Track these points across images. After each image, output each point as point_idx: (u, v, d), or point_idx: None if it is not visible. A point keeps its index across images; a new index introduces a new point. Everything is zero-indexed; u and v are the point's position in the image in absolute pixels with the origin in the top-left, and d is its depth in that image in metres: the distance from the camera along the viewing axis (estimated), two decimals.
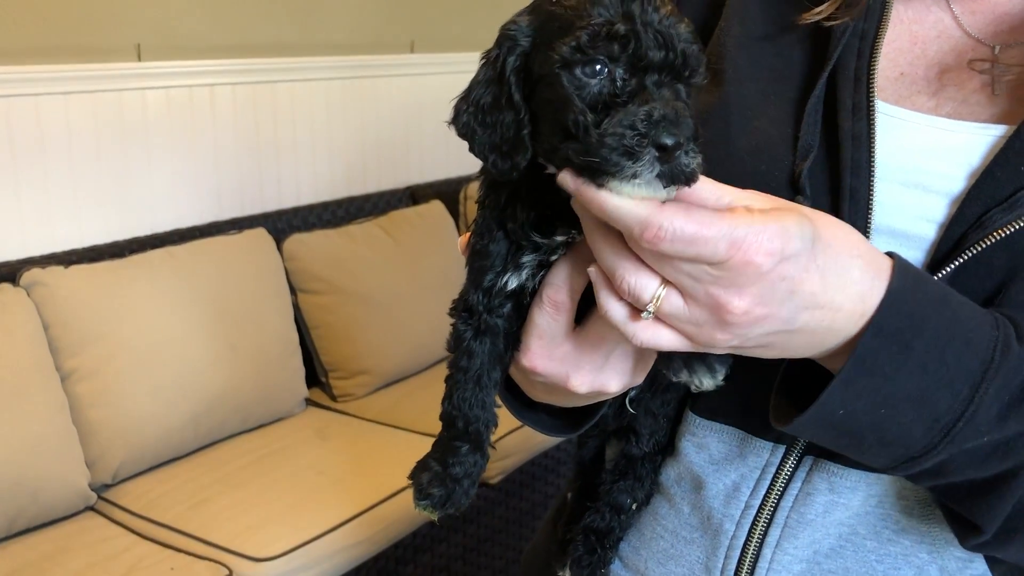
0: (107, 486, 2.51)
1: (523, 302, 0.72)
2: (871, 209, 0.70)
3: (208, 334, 2.71)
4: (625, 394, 0.80)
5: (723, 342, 0.59)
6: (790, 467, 0.76)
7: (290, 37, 3.31)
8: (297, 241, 3.08)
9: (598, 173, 0.57)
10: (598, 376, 0.70)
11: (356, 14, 3.55)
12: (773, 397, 0.68)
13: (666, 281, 0.58)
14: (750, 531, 0.76)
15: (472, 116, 0.65)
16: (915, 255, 0.69)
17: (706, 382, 0.64)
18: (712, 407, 0.81)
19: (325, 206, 3.39)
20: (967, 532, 0.66)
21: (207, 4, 3.03)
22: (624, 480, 0.84)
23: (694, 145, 0.57)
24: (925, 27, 0.74)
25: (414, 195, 3.72)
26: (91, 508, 2.45)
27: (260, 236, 2.99)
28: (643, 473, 0.84)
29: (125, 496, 2.48)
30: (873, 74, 0.72)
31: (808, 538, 0.74)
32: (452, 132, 0.67)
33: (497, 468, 2.81)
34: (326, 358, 3.12)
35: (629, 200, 0.56)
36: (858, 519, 0.73)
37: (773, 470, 0.76)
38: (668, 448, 0.85)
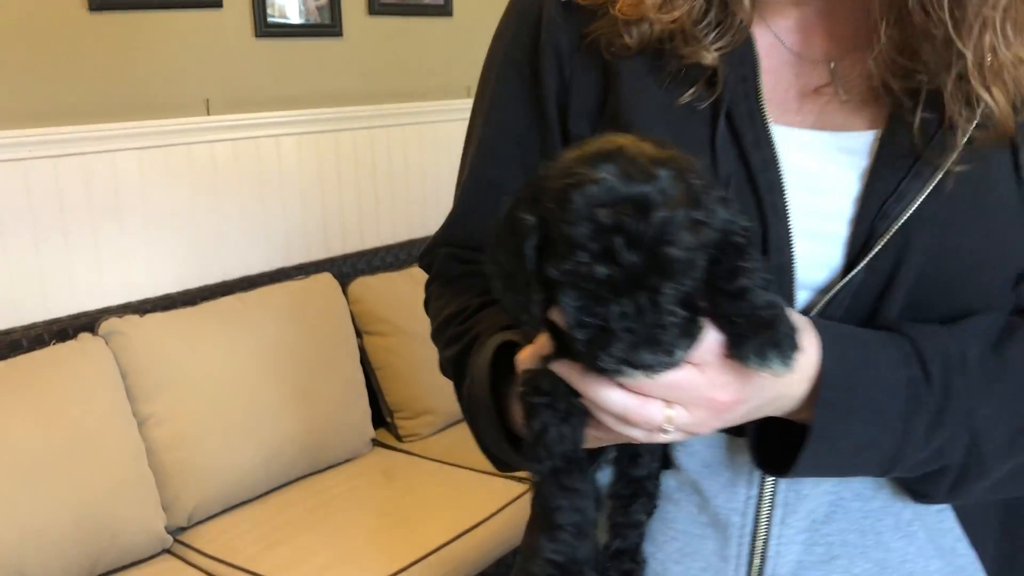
0: (182, 528, 2.57)
1: None
2: (789, 216, 0.80)
3: (277, 378, 2.78)
4: None
5: (718, 426, 0.73)
6: None
7: (352, 87, 3.40)
8: (362, 284, 3.14)
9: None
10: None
11: (413, 62, 3.63)
12: (752, 453, 0.82)
13: (666, 402, 0.70)
14: (756, 518, 0.85)
15: (497, 274, 0.71)
16: (834, 250, 0.80)
17: (778, 367, 0.69)
18: None
19: (388, 249, 3.46)
20: (921, 498, 0.83)
21: (272, 59, 3.14)
22: (637, 501, 0.89)
23: (678, 340, 0.65)
24: (773, 59, 0.86)
25: None
26: (167, 551, 2.50)
27: (326, 280, 3.05)
28: (651, 488, 0.89)
29: (199, 538, 2.54)
30: (763, 110, 0.82)
31: (805, 509, 0.83)
32: None
33: None
34: (391, 398, 3.16)
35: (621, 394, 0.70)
36: (843, 485, 0.83)
37: None
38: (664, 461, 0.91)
